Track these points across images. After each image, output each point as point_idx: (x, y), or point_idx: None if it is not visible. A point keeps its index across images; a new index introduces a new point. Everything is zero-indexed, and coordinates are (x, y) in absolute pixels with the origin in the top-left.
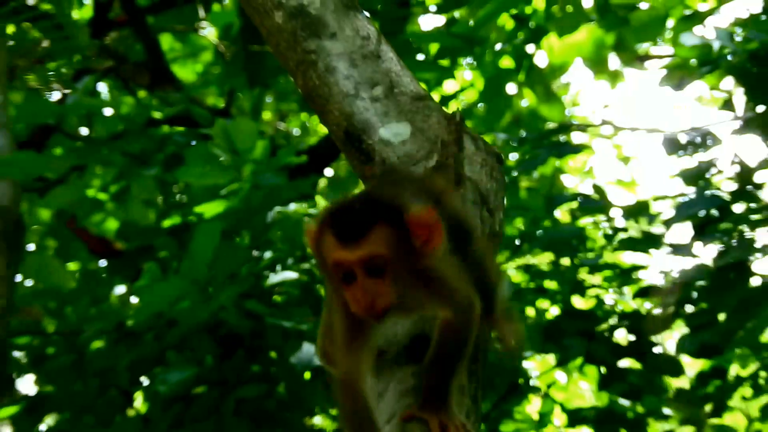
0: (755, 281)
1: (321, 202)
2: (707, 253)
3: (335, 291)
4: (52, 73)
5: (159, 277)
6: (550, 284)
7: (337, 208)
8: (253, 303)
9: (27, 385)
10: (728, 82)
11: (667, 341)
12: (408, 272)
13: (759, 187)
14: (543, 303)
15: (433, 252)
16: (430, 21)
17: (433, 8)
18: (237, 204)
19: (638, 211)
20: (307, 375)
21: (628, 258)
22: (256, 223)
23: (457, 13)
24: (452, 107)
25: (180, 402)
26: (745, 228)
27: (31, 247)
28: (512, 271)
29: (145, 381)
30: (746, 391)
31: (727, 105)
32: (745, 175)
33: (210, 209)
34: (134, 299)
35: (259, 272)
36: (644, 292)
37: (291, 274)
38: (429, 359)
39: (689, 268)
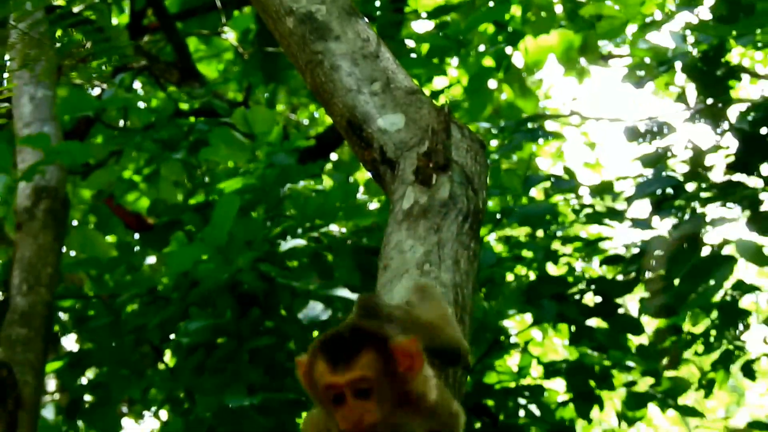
0: (706, 251)
1: (327, 181)
2: (664, 227)
3: (326, 411)
4: (93, 71)
5: (185, 244)
6: (527, 253)
7: (327, 338)
8: (267, 266)
9: (70, 342)
10: (681, 78)
11: (629, 303)
12: (392, 393)
13: (708, 169)
14: (521, 270)
15: (414, 377)
16: (421, 26)
17: (423, 14)
18: (253, 181)
19: (603, 189)
20: (314, 333)
21: (594, 230)
22: (270, 198)
23: (448, 17)
24: (441, 101)
25: (201, 350)
26: (696, 205)
27: (75, 222)
28: (493, 242)
29: (172, 337)
30: (699, 347)
31: (681, 98)
32: (696, 159)
33: (230, 185)
34: (164, 267)
35: (272, 240)
36: (609, 260)
37: (300, 241)
38: None
39: (648, 240)
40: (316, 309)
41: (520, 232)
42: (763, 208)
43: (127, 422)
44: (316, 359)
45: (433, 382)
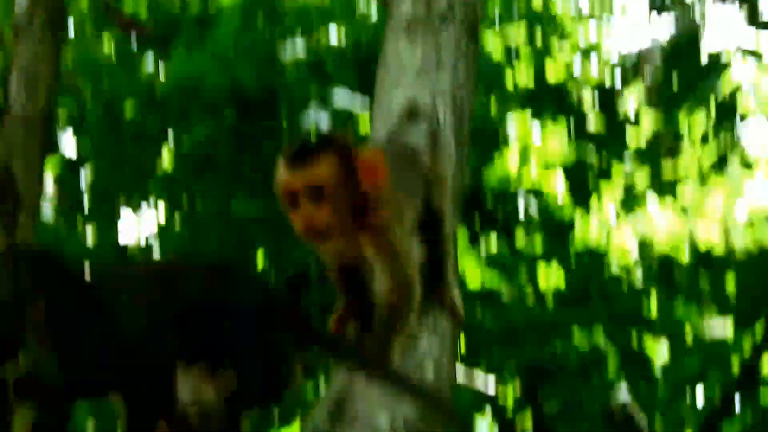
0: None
1: None
2: (661, 31)
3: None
4: None
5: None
6: (524, 53)
7: (295, 142)
8: (268, 73)
9: (68, 145)
10: None
11: (629, 102)
12: (350, 207)
13: None
14: (519, 75)
15: (376, 194)
16: None
17: None
18: None
19: None
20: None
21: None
22: (270, 8)
23: None
24: None
25: (202, 157)
26: (695, 7)
27: (72, 31)
28: (490, 46)
29: (171, 141)
30: (696, 145)
31: None
32: None
33: None
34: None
35: (272, 52)
36: (606, 65)
37: (300, 45)
38: (372, 327)
39: (646, 46)
40: (315, 116)
41: (517, 36)
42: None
43: (124, 220)
44: (280, 161)
45: (405, 236)
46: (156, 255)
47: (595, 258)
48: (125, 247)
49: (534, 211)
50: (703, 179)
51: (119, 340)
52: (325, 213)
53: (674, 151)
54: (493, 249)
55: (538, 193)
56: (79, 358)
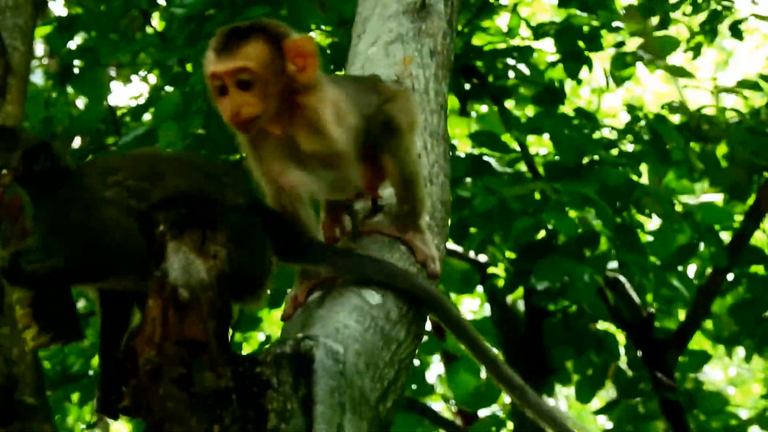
0: None
1: None
2: None
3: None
4: None
5: None
6: None
7: (224, 28)
8: None
9: (59, 7)
10: None
11: None
12: (278, 94)
13: None
14: None
15: (306, 82)
16: None
17: None
18: None
19: None
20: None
21: None
22: None
23: None
24: None
25: (194, 22)
26: None
27: None
28: None
29: (162, 2)
30: (687, 7)
31: None
32: None
33: None
34: None
35: None
36: None
37: None
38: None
39: None
40: None
41: None
42: None
43: (115, 86)
44: (209, 48)
45: (337, 112)
46: (147, 117)
47: (587, 120)
48: (115, 110)
49: (524, 72)
50: (692, 44)
51: (97, 231)
52: (254, 102)
53: (664, 21)
54: (483, 117)
55: (527, 54)
56: (55, 247)
